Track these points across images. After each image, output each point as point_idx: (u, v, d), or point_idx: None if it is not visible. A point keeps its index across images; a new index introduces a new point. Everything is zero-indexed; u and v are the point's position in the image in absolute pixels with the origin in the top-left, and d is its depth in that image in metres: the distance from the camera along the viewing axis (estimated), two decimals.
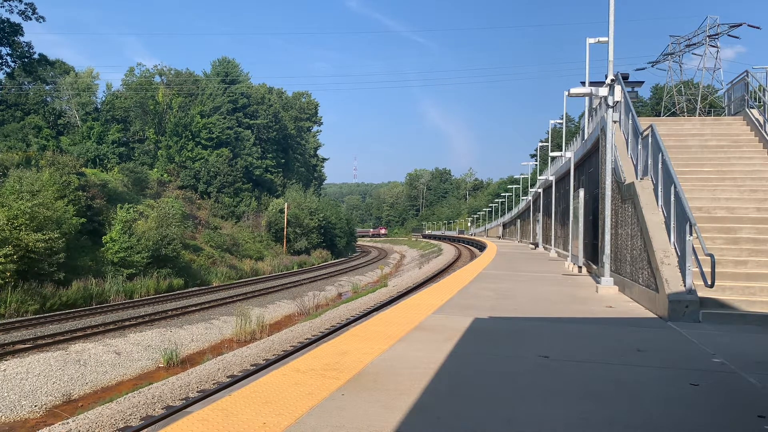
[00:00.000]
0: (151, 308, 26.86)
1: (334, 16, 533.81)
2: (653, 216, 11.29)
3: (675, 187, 10.29)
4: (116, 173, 51.99)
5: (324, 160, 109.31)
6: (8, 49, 45.02)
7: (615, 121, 14.31)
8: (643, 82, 29.27)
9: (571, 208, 23.40)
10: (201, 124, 67.73)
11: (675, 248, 10.23)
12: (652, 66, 76.16)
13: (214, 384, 14.26)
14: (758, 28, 70.32)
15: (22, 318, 22.74)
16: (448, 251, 67.54)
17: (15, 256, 25.35)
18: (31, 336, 19.06)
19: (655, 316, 9.89)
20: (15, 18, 44.47)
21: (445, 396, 5.01)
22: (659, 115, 67.49)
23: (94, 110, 68.54)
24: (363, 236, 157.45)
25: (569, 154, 26.24)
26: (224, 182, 65.83)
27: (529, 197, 51.25)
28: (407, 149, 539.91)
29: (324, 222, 71.85)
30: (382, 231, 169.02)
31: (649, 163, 12.53)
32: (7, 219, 26.25)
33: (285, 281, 40.94)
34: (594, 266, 19.59)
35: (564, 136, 36.25)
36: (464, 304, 10.74)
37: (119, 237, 34.67)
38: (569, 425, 4.33)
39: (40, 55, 47.30)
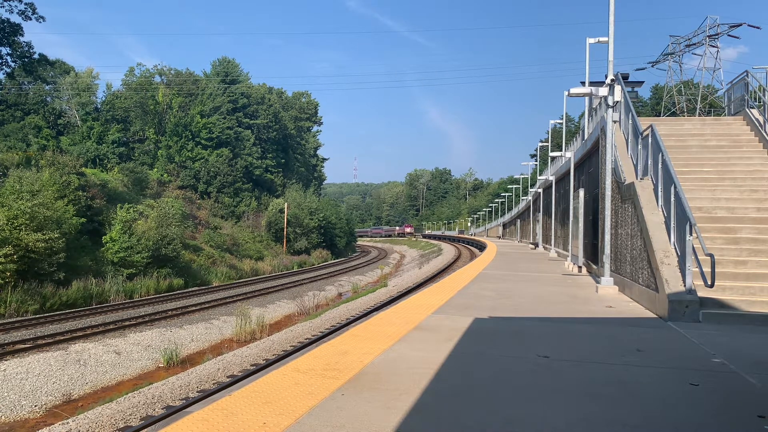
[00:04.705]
0: (151, 308, 26.86)
1: (333, 16, 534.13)
2: (653, 216, 11.29)
3: (675, 187, 10.29)
4: (116, 173, 51.98)
5: (324, 160, 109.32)
6: (8, 49, 45.08)
7: (615, 121, 14.31)
8: (643, 82, 29.33)
9: (571, 208, 23.40)
10: (201, 124, 67.73)
11: (675, 248, 10.23)
12: (652, 66, 76.28)
13: (214, 384, 14.26)
14: (758, 28, 70.56)
15: (22, 318, 22.74)
16: (448, 251, 67.53)
17: (15, 256, 25.36)
18: (31, 336, 19.05)
19: (655, 316, 9.89)
20: (15, 18, 44.61)
21: (445, 396, 5.01)
22: (659, 115, 67.49)
23: (94, 110, 68.53)
24: (389, 235, 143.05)
25: (569, 154, 26.23)
26: (224, 182, 65.84)
27: (529, 197, 51.26)
28: (407, 149, 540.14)
29: (324, 222, 71.86)
30: (407, 229, 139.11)
31: (649, 163, 12.53)
32: (7, 219, 26.25)
33: (285, 281, 40.94)
34: (594, 266, 19.59)
35: (564, 136, 36.22)
36: (464, 304, 10.74)
37: (119, 237, 34.68)
38: (569, 425, 4.33)
39: (40, 55, 47.38)
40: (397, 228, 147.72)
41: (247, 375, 14.14)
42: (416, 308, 10.07)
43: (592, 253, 20.36)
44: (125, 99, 69.68)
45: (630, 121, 15.08)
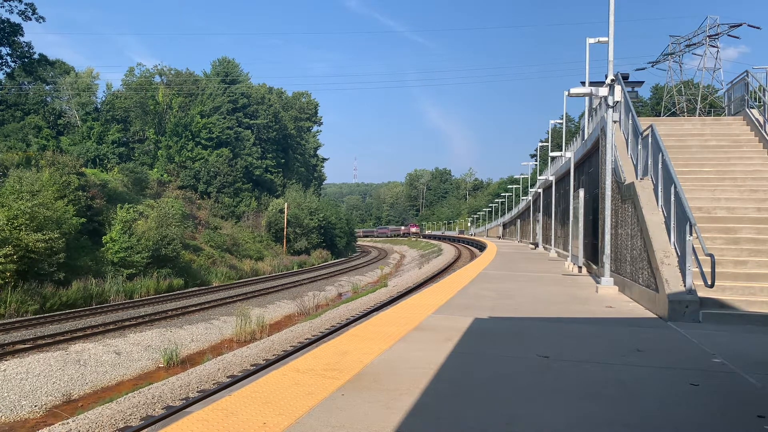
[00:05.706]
0: (151, 308, 26.85)
1: (333, 16, 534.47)
2: (653, 216, 11.29)
3: (675, 187, 10.29)
4: (116, 173, 51.98)
5: (324, 160, 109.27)
6: (8, 49, 45.13)
7: (615, 121, 14.31)
8: (643, 82, 29.34)
9: (571, 208, 23.40)
10: (201, 124, 67.72)
11: (675, 248, 10.23)
12: (652, 66, 76.25)
13: (214, 384, 14.26)
14: (758, 28, 70.46)
15: (22, 318, 22.73)
16: (448, 251, 67.52)
17: (15, 256, 25.36)
18: (31, 336, 19.05)
19: (655, 316, 9.89)
20: (15, 18, 44.66)
21: (445, 396, 5.01)
22: (659, 115, 67.48)
23: (94, 110, 68.51)
24: (395, 235, 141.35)
25: (569, 154, 26.23)
26: (224, 182, 65.82)
27: (529, 197, 51.26)
28: (407, 149, 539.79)
29: (324, 222, 71.84)
30: (413, 229, 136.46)
31: (649, 163, 12.53)
32: (7, 219, 26.25)
33: (285, 281, 40.93)
34: (594, 266, 19.59)
35: (564, 136, 36.22)
36: (464, 304, 10.74)
37: (119, 237, 34.68)
38: (569, 425, 4.33)
39: (40, 55, 47.43)
40: (403, 228, 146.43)
41: (247, 375, 14.14)
42: (416, 308, 10.07)
43: (592, 253, 20.36)
44: (125, 99, 69.63)
45: (630, 121, 15.08)
